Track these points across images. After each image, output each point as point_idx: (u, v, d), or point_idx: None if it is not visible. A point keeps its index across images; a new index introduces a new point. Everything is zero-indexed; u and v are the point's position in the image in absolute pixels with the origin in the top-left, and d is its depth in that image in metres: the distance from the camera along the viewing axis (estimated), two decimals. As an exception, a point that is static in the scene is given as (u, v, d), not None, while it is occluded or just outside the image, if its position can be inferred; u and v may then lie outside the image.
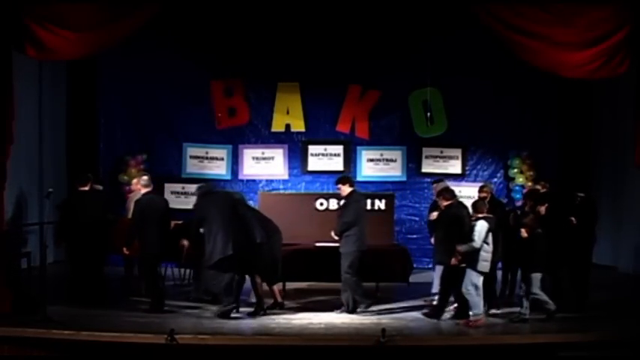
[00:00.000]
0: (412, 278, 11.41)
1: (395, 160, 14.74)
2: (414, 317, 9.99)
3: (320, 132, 14.77)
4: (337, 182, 10.50)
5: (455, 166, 14.75)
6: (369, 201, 12.00)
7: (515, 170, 14.49)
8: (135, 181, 11.52)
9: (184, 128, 14.76)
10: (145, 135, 14.71)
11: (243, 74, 14.54)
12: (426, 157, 14.74)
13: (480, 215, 9.63)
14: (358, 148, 14.75)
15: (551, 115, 14.66)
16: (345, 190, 10.29)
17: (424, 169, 14.68)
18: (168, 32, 13.74)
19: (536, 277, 9.70)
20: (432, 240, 10.75)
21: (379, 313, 10.26)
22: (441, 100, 14.44)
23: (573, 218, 10.46)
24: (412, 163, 14.73)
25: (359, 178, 14.61)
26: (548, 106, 14.59)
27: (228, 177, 14.74)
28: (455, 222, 9.77)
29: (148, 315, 9.97)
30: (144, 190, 10.51)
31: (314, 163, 14.73)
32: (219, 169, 14.79)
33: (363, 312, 10.11)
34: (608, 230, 14.06)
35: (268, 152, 14.77)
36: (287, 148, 14.77)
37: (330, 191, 13.56)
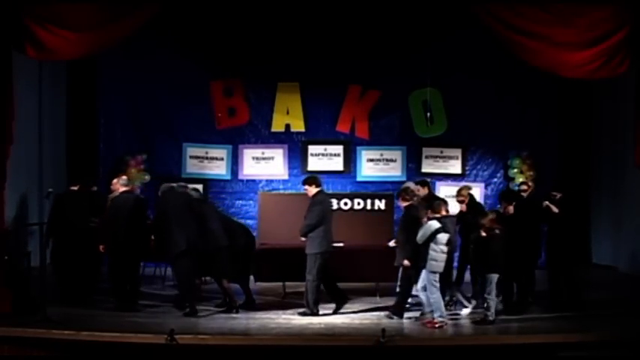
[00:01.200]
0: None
1: (395, 160, 14.73)
2: (414, 317, 9.99)
3: (320, 132, 14.76)
4: (304, 183, 10.53)
5: (455, 166, 14.75)
6: (368, 201, 12.03)
7: (515, 170, 14.48)
8: (115, 180, 11.54)
9: (184, 128, 14.74)
10: (145, 135, 14.69)
11: (243, 74, 14.53)
12: (426, 157, 14.73)
13: (436, 215, 9.64)
14: (358, 148, 14.74)
15: (551, 115, 14.66)
16: (312, 190, 10.30)
17: (424, 169, 14.67)
18: (168, 32, 13.73)
19: (492, 278, 9.66)
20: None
21: (379, 312, 10.27)
22: (440, 100, 14.43)
23: (553, 206, 10.37)
24: (412, 163, 14.72)
25: (359, 178, 14.65)
26: (548, 106, 14.59)
27: (228, 177, 14.73)
28: (413, 223, 9.72)
29: (148, 315, 9.99)
30: (122, 189, 10.71)
31: (314, 163, 14.71)
32: (219, 169, 14.78)
33: (303, 315, 10.03)
34: (608, 230, 14.08)
35: (268, 152, 14.77)
36: (287, 148, 14.76)
37: (330, 191, 13.57)
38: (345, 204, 12.46)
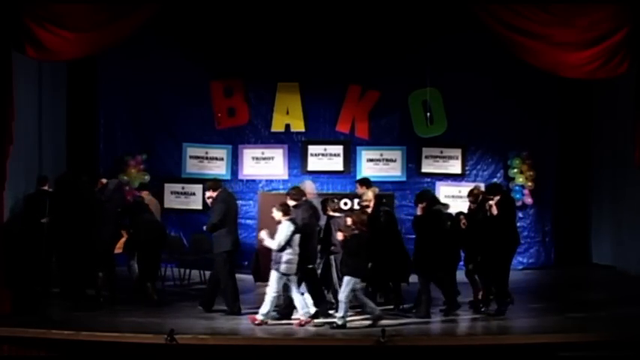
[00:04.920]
0: (412, 278, 11.37)
1: (395, 160, 14.73)
2: (414, 317, 9.99)
3: (320, 132, 14.76)
4: (205, 189, 10.81)
5: (455, 166, 14.74)
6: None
7: (515, 170, 14.49)
8: (104, 180, 11.58)
9: (184, 128, 14.74)
10: (145, 135, 14.69)
11: (243, 74, 14.53)
12: (426, 157, 14.73)
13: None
14: (358, 148, 14.74)
15: (551, 115, 14.66)
16: (212, 195, 10.43)
17: (424, 169, 14.68)
18: (168, 32, 13.73)
19: (349, 281, 9.34)
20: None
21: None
22: (440, 100, 14.43)
23: (494, 207, 10.15)
24: (412, 163, 14.72)
25: (359, 178, 14.61)
26: (548, 106, 14.59)
27: (228, 177, 14.71)
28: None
29: (148, 315, 9.99)
30: None
31: (314, 163, 14.72)
32: (219, 169, 14.77)
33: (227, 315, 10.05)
34: (608, 230, 14.09)
35: (268, 152, 14.77)
36: (287, 148, 14.76)
37: (330, 191, 13.59)
38: (345, 204, 12.46)
